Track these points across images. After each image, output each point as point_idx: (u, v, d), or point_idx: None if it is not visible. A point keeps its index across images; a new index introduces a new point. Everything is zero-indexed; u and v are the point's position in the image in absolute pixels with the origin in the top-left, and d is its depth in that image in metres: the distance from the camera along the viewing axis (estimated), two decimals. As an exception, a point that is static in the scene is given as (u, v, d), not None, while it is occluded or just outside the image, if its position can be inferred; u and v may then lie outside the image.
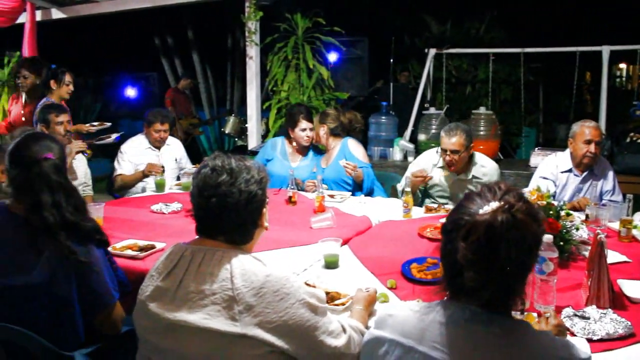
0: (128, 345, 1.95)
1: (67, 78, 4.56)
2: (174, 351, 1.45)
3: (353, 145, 3.86)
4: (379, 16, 8.96)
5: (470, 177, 3.41)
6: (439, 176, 3.51)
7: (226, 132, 7.91)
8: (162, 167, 3.99)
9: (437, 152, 3.53)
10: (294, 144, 4.05)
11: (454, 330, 1.15)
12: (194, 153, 4.77)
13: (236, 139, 8.12)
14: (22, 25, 6.57)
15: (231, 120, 7.88)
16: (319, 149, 4.20)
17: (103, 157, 7.92)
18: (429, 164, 3.53)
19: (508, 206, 1.16)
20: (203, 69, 9.88)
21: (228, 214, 1.51)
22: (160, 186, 3.92)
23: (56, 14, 6.88)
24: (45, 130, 3.66)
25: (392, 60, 6.99)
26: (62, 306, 1.80)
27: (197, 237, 1.61)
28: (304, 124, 3.92)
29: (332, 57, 6.23)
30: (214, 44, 9.98)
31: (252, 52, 5.65)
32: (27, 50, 6.65)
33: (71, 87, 4.60)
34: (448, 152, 3.30)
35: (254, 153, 5.56)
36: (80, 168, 3.99)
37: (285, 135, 4.13)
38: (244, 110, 9.38)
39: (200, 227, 1.59)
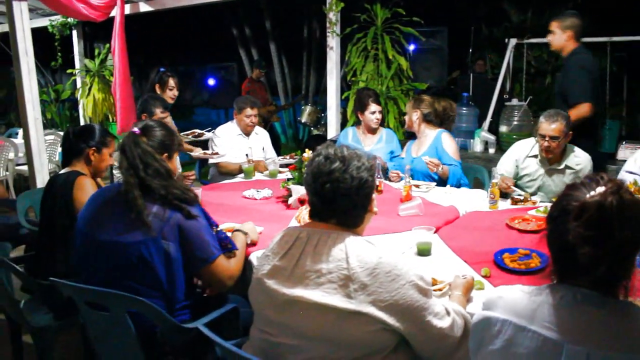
0: (233, 319, 2.14)
1: (172, 82, 4.65)
2: (290, 325, 1.57)
3: (446, 140, 3.85)
4: (458, 6, 8.85)
5: (563, 166, 3.35)
6: (531, 166, 3.49)
7: (302, 121, 8.08)
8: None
9: (535, 140, 3.46)
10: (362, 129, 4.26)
11: (565, 311, 1.21)
12: (273, 140, 4.94)
13: (312, 128, 8.27)
14: (110, 18, 6.93)
15: (307, 109, 8.03)
16: (391, 133, 4.33)
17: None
18: (521, 154, 3.51)
19: (616, 188, 1.21)
20: (279, 58, 10.07)
21: (341, 199, 1.62)
22: (248, 173, 4.11)
23: (144, 7, 7.20)
24: None
25: (471, 51, 6.90)
26: (169, 260, 1.98)
27: (309, 220, 1.74)
28: (373, 107, 4.14)
29: (411, 47, 6.23)
30: (291, 34, 10.16)
31: (333, 43, 5.74)
32: (116, 43, 7.00)
33: (175, 92, 4.69)
34: (547, 138, 3.24)
35: (333, 142, 5.70)
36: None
37: (356, 121, 4.28)
38: (319, 100, 9.58)
39: (314, 212, 1.70)
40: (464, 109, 5.56)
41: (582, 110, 3.69)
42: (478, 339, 1.34)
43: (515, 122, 4.91)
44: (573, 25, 3.85)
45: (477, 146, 5.13)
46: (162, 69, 4.76)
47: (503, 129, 5.01)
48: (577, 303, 1.21)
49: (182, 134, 4.86)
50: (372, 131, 4.28)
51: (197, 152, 4.15)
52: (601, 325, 1.17)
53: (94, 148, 2.71)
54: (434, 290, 1.94)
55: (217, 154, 4.14)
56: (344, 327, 1.49)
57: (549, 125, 3.23)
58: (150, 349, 1.95)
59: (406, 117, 4.00)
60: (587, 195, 1.22)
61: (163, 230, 1.97)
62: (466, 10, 8.83)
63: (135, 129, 2.12)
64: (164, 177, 2.04)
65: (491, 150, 5.06)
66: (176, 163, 2.32)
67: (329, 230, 1.63)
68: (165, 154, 2.17)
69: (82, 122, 8.72)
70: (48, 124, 9.76)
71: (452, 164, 3.73)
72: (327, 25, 5.71)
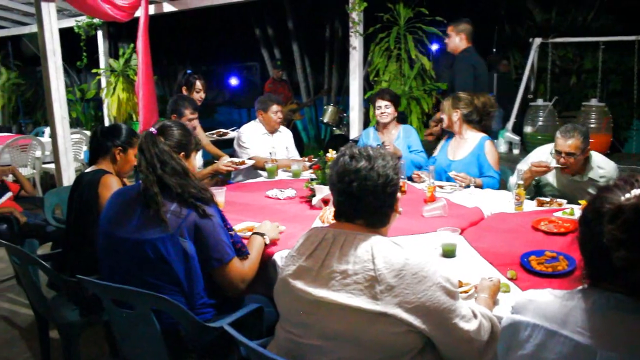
0: (257, 320, 2.14)
1: (199, 84, 4.66)
2: (315, 326, 1.56)
3: (489, 148, 3.71)
4: (480, 6, 8.76)
5: (586, 179, 3.26)
6: (551, 176, 3.42)
7: (324, 121, 8.06)
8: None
9: (550, 152, 3.40)
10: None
11: (599, 316, 1.18)
12: (295, 140, 4.94)
13: (334, 128, 8.25)
14: (135, 19, 7.00)
15: (329, 109, 8.01)
16: (409, 128, 4.35)
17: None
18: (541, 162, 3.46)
19: None
20: (302, 58, 10.08)
21: (367, 197, 1.61)
22: (271, 173, 4.12)
23: (167, 7, 7.27)
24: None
25: (494, 50, 6.82)
26: (187, 257, 2.01)
27: (335, 221, 1.73)
28: (378, 102, 4.23)
29: (434, 47, 6.19)
30: (313, 34, 10.16)
31: (356, 43, 5.73)
32: (140, 42, 7.07)
33: (202, 94, 4.70)
34: (563, 154, 3.17)
35: (355, 142, 5.69)
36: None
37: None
38: (341, 100, 9.56)
39: (340, 212, 1.69)
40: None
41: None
42: (507, 343, 1.32)
43: (540, 123, 4.85)
44: (465, 29, 4.56)
45: (501, 147, 5.08)
46: (189, 71, 4.77)
47: (528, 129, 4.96)
48: (611, 308, 1.18)
49: (206, 133, 4.89)
50: (386, 127, 4.30)
51: (225, 161, 4.09)
52: (635, 332, 1.14)
53: (120, 147, 2.74)
54: (460, 293, 1.93)
55: (243, 163, 4.09)
56: (369, 329, 1.48)
57: (565, 142, 3.15)
58: (174, 347, 1.97)
59: (444, 116, 3.84)
60: (623, 198, 1.19)
61: (180, 228, 2.00)
62: (489, 9, 8.74)
63: (153, 129, 2.16)
64: (181, 176, 2.08)
65: (515, 151, 5.01)
66: (194, 162, 2.34)
67: (355, 231, 1.62)
68: (183, 153, 2.22)
69: (106, 121, 8.84)
70: (73, 123, 9.91)
71: (491, 175, 3.63)
72: (350, 25, 5.71)
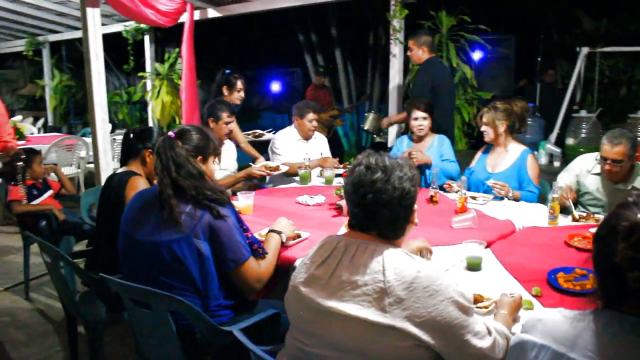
0: (274, 326, 2.13)
1: (239, 84, 4.73)
2: (321, 335, 1.54)
3: (531, 162, 3.58)
4: (526, 13, 8.57)
5: (629, 187, 3.12)
6: (593, 184, 3.30)
7: (364, 128, 8.00)
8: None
9: (595, 158, 3.28)
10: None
11: (610, 339, 1.12)
12: (335, 146, 4.93)
13: (374, 135, 8.21)
14: (181, 24, 7.14)
15: (370, 116, 7.94)
16: (443, 137, 4.21)
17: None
18: (583, 170, 3.34)
19: None
20: (344, 65, 10.09)
21: (382, 210, 1.58)
22: (304, 179, 4.12)
23: (212, 13, 7.40)
24: (213, 125, 3.96)
25: (539, 59, 6.66)
26: (202, 258, 2.03)
27: (349, 230, 1.70)
28: (415, 112, 4.07)
29: (477, 55, 6.10)
30: (356, 41, 10.16)
31: (396, 50, 5.71)
32: (186, 47, 7.21)
33: (242, 94, 4.77)
34: (608, 161, 3.05)
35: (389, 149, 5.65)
36: (228, 157, 4.28)
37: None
38: (383, 107, 9.50)
39: (354, 222, 1.66)
40: (529, 119, 5.36)
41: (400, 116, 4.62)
42: (515, 362, 1.27)
43: (582, 135, 4.71)
44: (426, 42, 4.77)
45: (541, 159, 4.95)
46: (227, 71, 4.85)
47: (569, 141, 4.82)
48: (624, 332, 1.12)
49: (243, 133, 4.95)
50: (420, 139, 4.18)
51: (258, 166, 4.09)
52: None
53: (150, 150, 2.78)
54: (480, 308, 1.88)
55: (278, 168, 4.10)
56: (376, 341, 1.46)
57: (611, 148, 3.03)
58: (190, 348, 1.98)
59: (488, 129, 3.66)
60: (639, 215, 1.13)
61: (195, 229, 2.02)
62: (535, 17, 8.54)
63: (171, 133, 2.20)
64: (196, 178, 2.11)
65: (556, 164, 4.88)
66: (211, 166, 2.37)
67: (368, 241, 1.59)
68: (200, 157, 2.25)
69: (150, 124, 9.06)
70: (119, 125, 10.20)
71: (531, 190, 3.51)
72: (391, 32, 5.68)
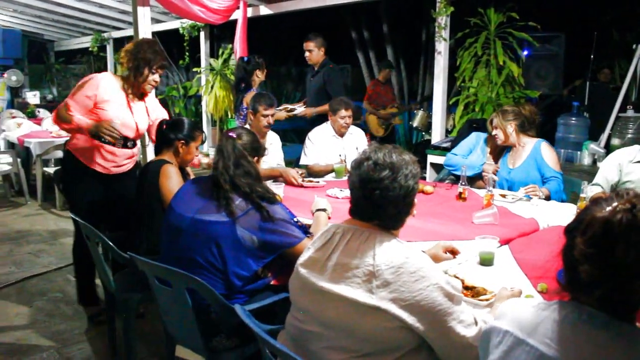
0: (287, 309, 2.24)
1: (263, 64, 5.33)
2: (315, 314, 1.65)
3: (546, 150, 3.67)
4: (579, 11, 8.31)
5: None
6: (636, 172, 3.25)
7: (414, 125, 8.02)
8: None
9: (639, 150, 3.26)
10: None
11: (567, 328, 1.16)
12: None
13: (424, 133, 8.19)
14: (234, 20, 7.35)
15: (419, 114, 7.96)
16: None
17: (299, 142, 8.58)
18: (626, 160, 3.30)
19: (630, 206, 1.14)
20: (397, 62, 10.06)
21: (387, 206, 1.65)
22: (339, 173, 4.21)
23: (264, 10, 7.58)
24: (253, 117, 4.13)
25: (592, 57, 6.46)
26: (238, 245, 2.16)
27: (349, 217, 1.78)
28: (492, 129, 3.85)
29: (525, 53, 5.99)
30: (408, 38, 10.12)
31: (441, 48, 5.70)
32: (239, 43, 7.42)
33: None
34: None
35: (436, 148, 5.64)
36: (274, 153, 4.42)
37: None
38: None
39: (356, 211, 1.74)
40: (573, 119, 5.25)
41: (323, 107, 4.98)
42: (484, 348, 1.32)
43: (629, 135, 4.57)
44: (324, 43, 5.31)
45: (584, 159, 4.83)
46: (246, 58, 5.39)
47: (615, 142, 4.68)
48: (581, 322, 1.15)
49: (281, 109, 5.33)
50: (496, 148, 3.98)
51: (293, 173, 3.94)
52: (601, 349, 1.11)
53: (182, 141, 2.95)
54: (481, 300, 1.92)
55: (311, 180, 3.99)
56: (362, 321, 1.54)
57: None
58: (206, 325, 2.11)
59: (498, 133, 3.74)
60: (599, 211, 1.16)
61: (240, 218, 2.15)
62: (590, 14, 8.26)
63: (232, 133, 2.36)
64: (252, 178, 2.28)
65: (600, 164, 4.75)
66: (260, 166, 2.55)
67: (365, 228, 1.67)
68: (256, 157, 2.42)
69: (204, 117, 9.34)
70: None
71: (554, 176, 3.55)
72: (436, 29, 5.67)
